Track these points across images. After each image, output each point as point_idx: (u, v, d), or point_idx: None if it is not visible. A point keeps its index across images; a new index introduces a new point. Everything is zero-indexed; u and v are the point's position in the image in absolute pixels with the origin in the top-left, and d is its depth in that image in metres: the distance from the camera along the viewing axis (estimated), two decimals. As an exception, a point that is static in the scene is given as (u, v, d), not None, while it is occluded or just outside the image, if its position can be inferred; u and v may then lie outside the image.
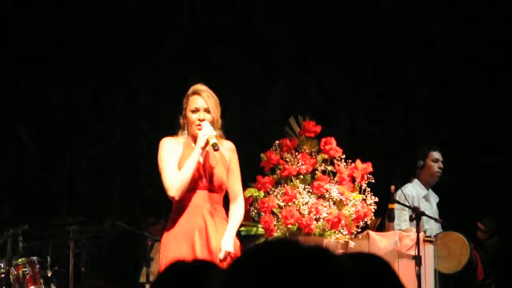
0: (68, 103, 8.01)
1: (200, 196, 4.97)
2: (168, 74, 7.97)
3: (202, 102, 5.00)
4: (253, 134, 7.59)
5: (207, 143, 4.91)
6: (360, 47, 8.13)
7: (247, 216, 5.63)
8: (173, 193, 4.92)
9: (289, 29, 8.12)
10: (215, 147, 4.91)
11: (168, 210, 5.21)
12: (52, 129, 7.97)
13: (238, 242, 5.06)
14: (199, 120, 4.99)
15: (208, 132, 4.93)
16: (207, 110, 5.00)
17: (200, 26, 8.08)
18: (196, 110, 5.01)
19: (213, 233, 4.95)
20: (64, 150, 8.00)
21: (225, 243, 4.93)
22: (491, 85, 8.08)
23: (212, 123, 4.99)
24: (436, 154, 6.96)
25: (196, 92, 5.04)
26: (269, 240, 1.80)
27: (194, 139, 5.02)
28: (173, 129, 5.13)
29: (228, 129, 5.21)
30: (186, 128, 5.08)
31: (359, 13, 8.12)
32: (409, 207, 6.11)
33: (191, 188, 4.96)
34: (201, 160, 5.03)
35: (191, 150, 5.00)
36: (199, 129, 4.97)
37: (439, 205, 7.03)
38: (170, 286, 2.07)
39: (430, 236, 6.19)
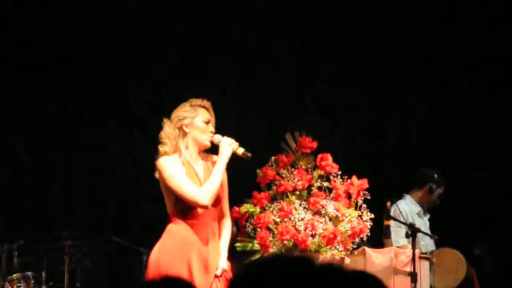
0: (64, 116, 7.99)
1: (207, 211, 4.96)
2: (165, 87, 7.97)
3: (210, 117, 5.09)
4: (249, 149, 7.57)
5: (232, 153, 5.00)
6: (357, 60, 8.13)
7: (242, 232, 5.63)
8: (206, 202, 4.88)
9: (286, 41, 8.12)
10: (247, 155, 5.02)
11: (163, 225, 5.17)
12: (47, 142, 7.95)
13: (229, 263, 5.09)
14: (211, 132, 5.06)
15: (231, 141, 5.02)
16: (212, 126, 5.10)
17: (197, 39, 8.08)
18: (208, 122, 5.06)
19: (212, 250, 4.97)
20: (59, 164, 7.98)
21: (222, 261, 4.98)
22: (488, 99, 8.09)
23: None
24: (442, 190, 7.05)
25: (204, 106, 5.09)
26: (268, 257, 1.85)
27: (199, 148, 5.05)
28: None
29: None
30: (183, 141, 5.03)
31: (357, 26, 8.13)
32: (405, 223, 6.10)
33: None
34: (201, 175, 5.03)
35: (190, 168, 5.00)
36: (211, 140, 5.03)
37: (430, 221, 7.04)
38: None
39: (425, 253, 6.19)
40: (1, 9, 7.83)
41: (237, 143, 5.07)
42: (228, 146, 5.00)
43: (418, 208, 6.94)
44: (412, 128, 8.19)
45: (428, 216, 7.03)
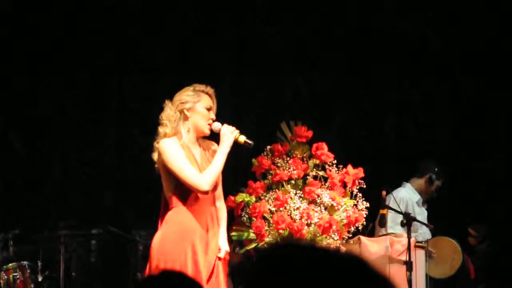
0: (60, 108, 7.98)
1: (206, 196, 4.95)
2: (161, 80, 7.95)
3: (213, 104, 5.05)
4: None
5: (234, 141, 4.98)
6: (354, 50, 8.13)
7: (238, 221, 5.62)
8: (206, 188, 4.87)
9: (282, 33, 8.11)
10: (248, 143, 5.00)
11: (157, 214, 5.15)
12: (43, 133, 7.95)
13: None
14: (211, 119, 5.02)
15: (232, 129, 5.00)
16: (214, 113, 5.07)
17: (194, 31, 8.07)
18: (210, 109, 5.03)
19: (211, 234, 4.97)
20: (55, 155, 7.98)
21: (224, 243, 5.01)
22: (483, 90, 8.09)
23: None
24: (441, 182, 7.06)
25: (208, 93, 5.05)
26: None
27: (198, 134, 5.02)
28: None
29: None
30: (183, 125, 4.99)
31: (354, 18, 8.12)
32: (400, 212, 6.10)
33: None
34: (199, 160, 5.02)
35: (189, 152, 4.98)
36: (209, 128, 5.00)
37: (428, 210, 7.05)
38: None
39: (422, 242, 6.19)
40: (1, 9, 7.82)
41: (238, 131, 5.04)
42: (230, 134, 4.98)
43: (417, 197, 6.95)
44: (409, 118, 8.20)
45: (425, 206, 7.05)
